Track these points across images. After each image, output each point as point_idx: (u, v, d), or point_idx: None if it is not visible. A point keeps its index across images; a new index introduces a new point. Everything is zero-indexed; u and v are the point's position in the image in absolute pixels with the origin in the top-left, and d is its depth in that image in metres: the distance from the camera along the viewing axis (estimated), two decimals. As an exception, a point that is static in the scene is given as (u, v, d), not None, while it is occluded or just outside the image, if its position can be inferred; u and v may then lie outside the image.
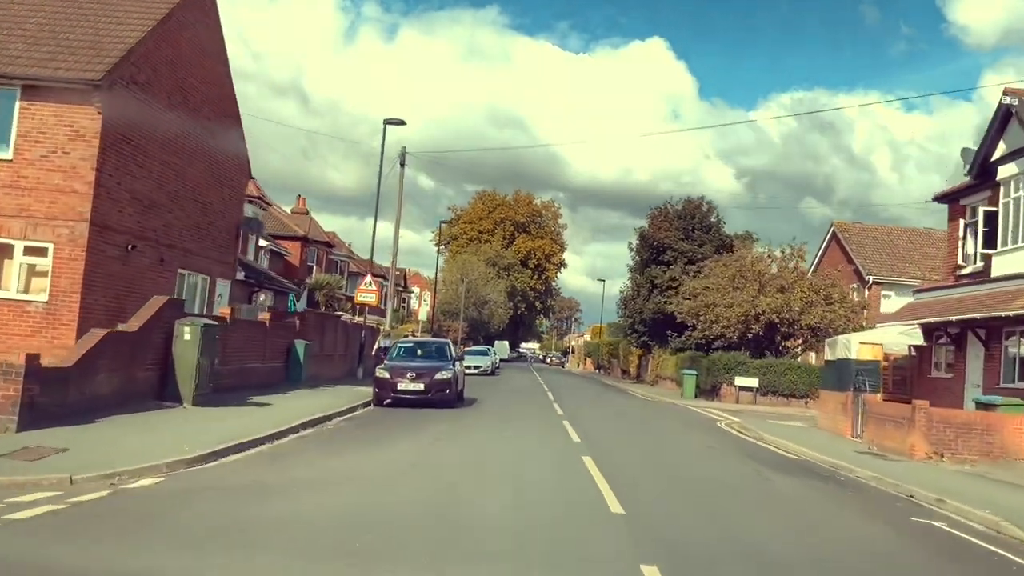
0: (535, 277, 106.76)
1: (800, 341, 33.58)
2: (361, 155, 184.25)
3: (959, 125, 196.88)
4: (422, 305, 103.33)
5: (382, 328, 31.41)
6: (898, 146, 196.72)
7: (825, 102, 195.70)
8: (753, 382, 31.89)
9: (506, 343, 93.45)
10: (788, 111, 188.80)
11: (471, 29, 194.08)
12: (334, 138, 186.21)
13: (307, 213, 52.01)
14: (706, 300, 33.49)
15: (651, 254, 46.50)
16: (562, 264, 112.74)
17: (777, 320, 31.84)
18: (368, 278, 29.02)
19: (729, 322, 32.39)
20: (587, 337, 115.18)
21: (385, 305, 36.33)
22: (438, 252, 56.45)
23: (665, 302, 43.95)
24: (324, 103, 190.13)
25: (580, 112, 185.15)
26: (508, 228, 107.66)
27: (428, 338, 28.06)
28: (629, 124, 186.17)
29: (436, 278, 59.06)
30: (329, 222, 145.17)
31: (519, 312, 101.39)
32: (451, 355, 21.63)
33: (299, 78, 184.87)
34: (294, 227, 45.63)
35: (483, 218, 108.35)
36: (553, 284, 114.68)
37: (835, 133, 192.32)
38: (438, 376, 19.93)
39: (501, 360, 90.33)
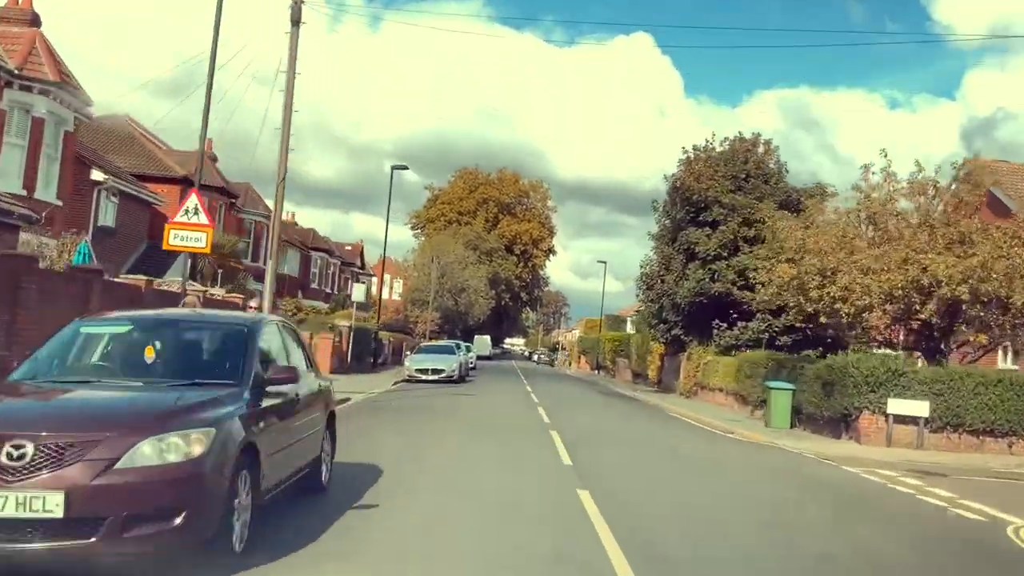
0: (521, 264, 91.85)
1: (997, 333, 18.46)
2: (345, 148, 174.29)
3: (942, 124, 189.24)
4: (390, 292, 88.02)
5: (191, 294, 15.49)
6: (882, 144, 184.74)
7: (810, 100, 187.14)
8: (921, 408, 16.86)
9: (487, 338, 78.25)
10: (773, 108, 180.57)
11: (456, 22, 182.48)
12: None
13: (214, 161, 36.45)
14: (822, 264, 18.32)
15: (687, 213, 31.58)
16: (551, 251, 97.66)
17: (967, 295, 16.72)
18: (191, 201, 13.73)
19: (871, 297, 17.28)
20: (578, 332, 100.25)
21: (265, 263, 21.08)
22: (389, 206, 41.20)
23: (711, 279, 29.19)
24: (305, 95, 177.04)
25: (565, 106, 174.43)
26: (492, 209, 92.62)
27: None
28: (615, 119, 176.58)
29: (385, 248, 43.56)
30: (313, 217, 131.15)
31: (503, 303, 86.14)
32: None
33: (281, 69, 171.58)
34: (172, 165, 30.18)
35: (464, 198, 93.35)
36: (541, 273, 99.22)
37: (820, 131, 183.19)
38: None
39: (480, 358, 75.40)
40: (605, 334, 54.17)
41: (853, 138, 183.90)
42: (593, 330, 77.20)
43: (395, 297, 74.96)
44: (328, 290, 49.52)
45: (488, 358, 74.74)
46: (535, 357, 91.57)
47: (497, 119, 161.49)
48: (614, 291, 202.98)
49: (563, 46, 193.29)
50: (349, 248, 59.45)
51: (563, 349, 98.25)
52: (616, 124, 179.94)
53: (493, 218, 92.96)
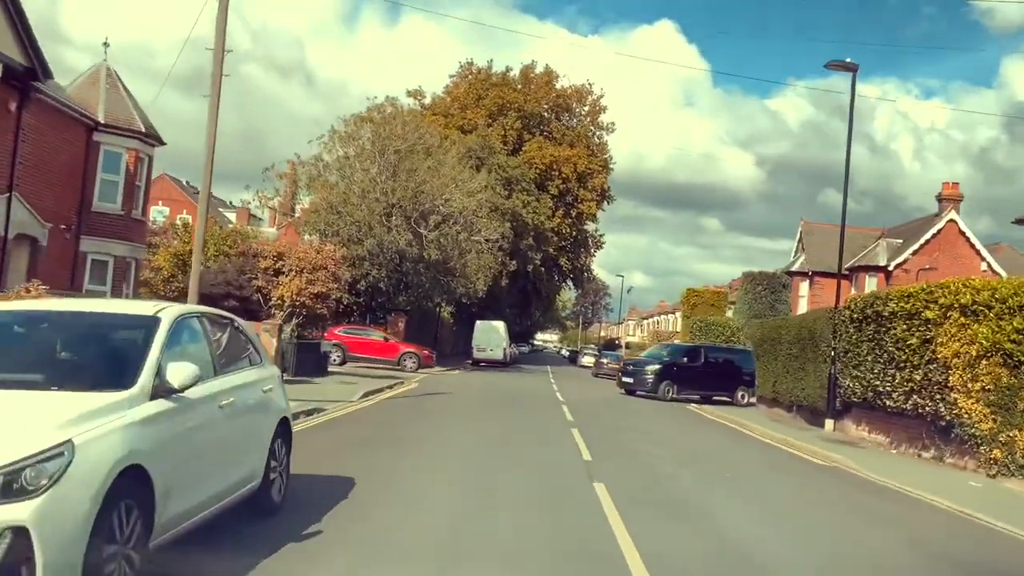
0: (560, 212, 51.32)
1: None
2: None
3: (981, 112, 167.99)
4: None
5: None
6: (920, 134, 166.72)
7: (843, 88, 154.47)
8: None
9: (500, 325, 36.96)
10: (803, 98, 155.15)
11: (477, 11, 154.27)
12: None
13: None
14: None
15: None
16: (606, 195, 56.86)
17: None
18: None
19: None
20: (670, 318, 58.93)
21: None
22: None
23: None
24: (328, 85, 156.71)
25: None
26: (512, 124, 53.42)
27: None
28: (642, 109, 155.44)
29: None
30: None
31: (529, 269, 44.82)
32: None
33: (303, 59, 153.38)
34: None
35: (468, 107, 54.13)
36: (591, 229, 57.67)
37: (856, 120, 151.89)
38: None
39: (487, 363, 34.26)
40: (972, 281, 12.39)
41: (889, 127, 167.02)
42: (703, 307, 34.73)
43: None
44: None
45: (503, 363, 34.72)
46: (584, 359, 50.95)
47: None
48: (640, 286, 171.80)
49: (587, 35, 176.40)
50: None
51: (624, 348, 55.86)
52: (644, 115, 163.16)
53: (515, 138, 54.10)
